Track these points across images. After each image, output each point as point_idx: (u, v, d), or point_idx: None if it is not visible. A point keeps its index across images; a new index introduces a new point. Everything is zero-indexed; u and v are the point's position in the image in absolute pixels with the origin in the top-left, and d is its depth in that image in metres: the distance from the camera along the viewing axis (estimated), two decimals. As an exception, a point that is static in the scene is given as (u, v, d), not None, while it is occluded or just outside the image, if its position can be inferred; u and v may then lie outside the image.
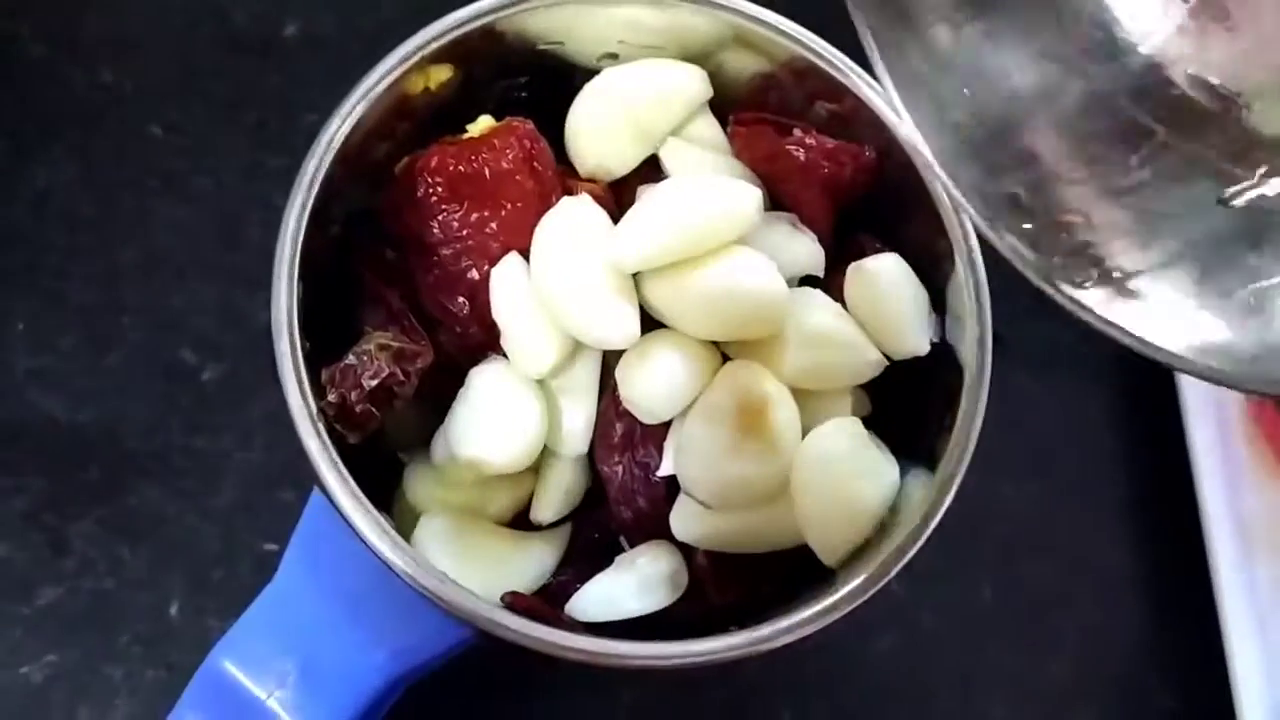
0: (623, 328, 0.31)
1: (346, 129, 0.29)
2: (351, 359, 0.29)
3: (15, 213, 0.44)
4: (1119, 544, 0.46)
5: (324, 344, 0.31)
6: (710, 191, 0.31)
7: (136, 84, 0.46)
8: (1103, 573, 0.46)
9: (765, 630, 0.27)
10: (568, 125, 0.33)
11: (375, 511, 0.27)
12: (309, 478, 0.42)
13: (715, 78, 0.33)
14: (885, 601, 0.43)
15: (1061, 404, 0.48)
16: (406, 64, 0.30)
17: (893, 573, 0.28)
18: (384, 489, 0.33)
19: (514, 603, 0.30)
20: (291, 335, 0.27)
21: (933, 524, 0.29)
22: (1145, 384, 0.48)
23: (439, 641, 0.27)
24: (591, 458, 0.33)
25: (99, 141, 0.45)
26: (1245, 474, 0.44)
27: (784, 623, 0.27)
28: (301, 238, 0.28)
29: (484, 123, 0.32)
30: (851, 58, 0.32)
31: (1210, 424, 0.45)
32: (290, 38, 0.47)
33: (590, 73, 0.33)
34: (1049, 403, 0.48)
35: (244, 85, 0.47)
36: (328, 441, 0.27)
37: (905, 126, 0.24)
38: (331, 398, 0.29)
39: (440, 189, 0.31)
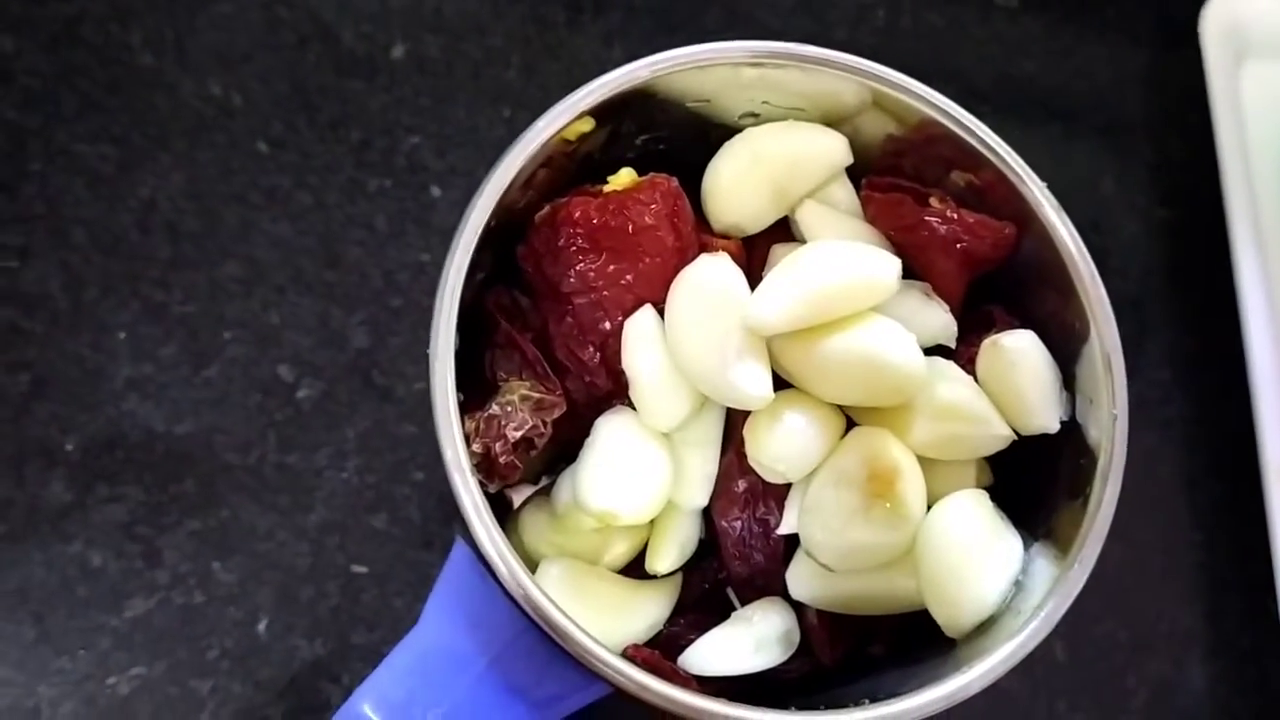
0: (756, 389, 0.31)
1: (506, 182, 0.29)
2: (495, 409, 0.29)
3: (120, 221, 0.44)
4: (1191, 605, 0.47)
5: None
6: (851, 258, 0.31)
7: (244, 98, 0.46)
8: (1174, 634, 0.46)
9: (894, 708, 0.27)
10: (705, 181, 0.33)
11: (520, 566, 0.27)
12: (400, 502, 0.43)
13: (851, 141, 0.33)
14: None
15: (1140, 465, 0.48)
16: (566, 117, 0.30)
17: (1026, 652, 0.28)
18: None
19: (634, 655, 0.30)
20: (449, 389, 0.28)
21: (1066, 606, 0.29)
22: (1224, 445, 0.49)
23: (575, 696, 0.28)
24: (708, 510, 0.33)
25: (204, 154, 0.45)
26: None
27: (914, 702, 0.28)
28: (459, 292, 0.28)
29: (625, 175, 0.33)
30: (991, 127, 0.32)
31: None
32: (397, 60, 0.48)
33: (728, 130, 0.34)
34: (1126, 472, 0.48)
35: (349, 105, 0.47)
36: (479, 495, 0.27)
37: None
38: (476, 448, 0.29)
39: (580, 239, 0.31)
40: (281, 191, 0.45)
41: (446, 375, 0.28)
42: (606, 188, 0.32)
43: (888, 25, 0.53)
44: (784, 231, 0.34)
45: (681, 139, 0.34)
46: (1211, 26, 0.52)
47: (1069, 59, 0.54)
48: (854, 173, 0.34)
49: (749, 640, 0.32)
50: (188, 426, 0.43)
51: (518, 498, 0.35)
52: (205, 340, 0.43)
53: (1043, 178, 0.32)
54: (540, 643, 0.27)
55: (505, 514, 0.35)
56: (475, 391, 0.31)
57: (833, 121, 0.34)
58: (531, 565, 0.33)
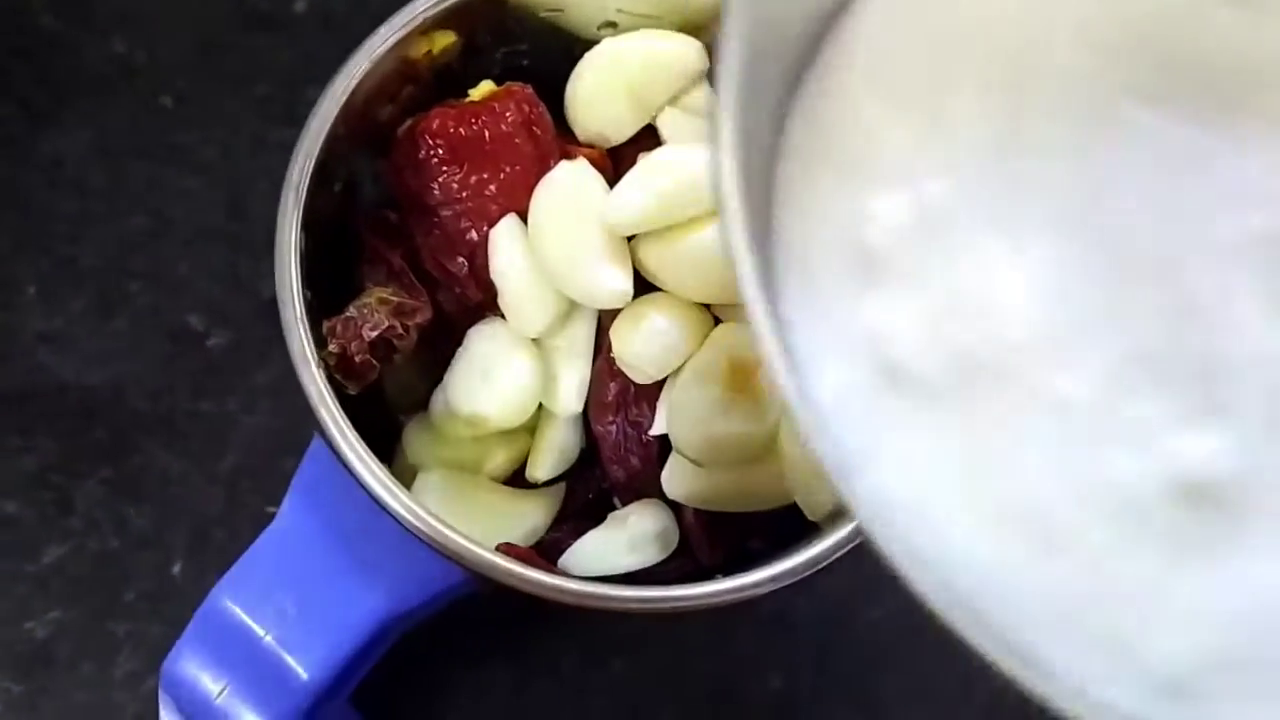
0: (616, 287, 0.31)
1: (351, 86, 0.30)
2: (352, 311, 0.30)
3: (28, 179, 0.45)
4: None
5: (327, 303, 0.32)
6: (703, 158, 0.32)
7: (149, 56, 0.47)
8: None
9: (754, 577, 0.28)
10: (567, 93, 0.34)
11: (372, 457, 0.27)
12: (310, 440, 0.44)
13: (711, 49, 0.34)
14: (878, 575, 0.45)
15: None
16: (410, 26, 0.31)
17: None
18: (384, 450, 0.34)
19: (507, 552, 0.31)
20: (295, 284, 0.28)
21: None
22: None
23: (433, 585, 0.28)
24: (586, 418, 0.34)
25: (110, 111, 0.46)
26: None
27: (772, 570, 0.28)
28: (305, 190, 0.29)
29: (485, 87, 0.33)
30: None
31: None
32: (300, 14, 0.48)
33: (590, 43, 0.34)
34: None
35: (254, 60, 0.47)
36: (327, 388, 0.28)
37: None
38: (332, 348, 0.29)
39: (441, 151, 0.32)
40: (187, 146, 0.46)
41: (290, 270, 0.28)
42: (466, 101, 0.33)
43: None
44: (653, 140, 0.35)
45: (543, 53, 0.34)
46: None
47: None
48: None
49: (623, 540, 0.33)
50: (98, 377, 0.43)
51: (406, 418, 0.35)
52: (114, 293, 0.44)
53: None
54: (397, 535, 0.27)
55: (396, 437, 0.35)
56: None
57: (691, 29, 0.34)
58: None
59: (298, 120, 0.47)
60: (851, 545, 0.29)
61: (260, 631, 0.28)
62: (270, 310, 0.44)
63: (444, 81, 0.33)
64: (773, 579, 0.28)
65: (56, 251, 0.44)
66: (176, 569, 0.42)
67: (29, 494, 0.42)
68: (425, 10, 0.31)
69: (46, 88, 0.46)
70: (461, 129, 0.32)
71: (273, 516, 0.42)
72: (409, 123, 0.33)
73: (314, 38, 0.48)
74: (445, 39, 0.32)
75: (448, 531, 0.27)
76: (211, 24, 0.48)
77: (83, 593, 0.41)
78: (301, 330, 0.28)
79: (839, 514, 0.31)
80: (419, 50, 0.32)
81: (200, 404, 0.44)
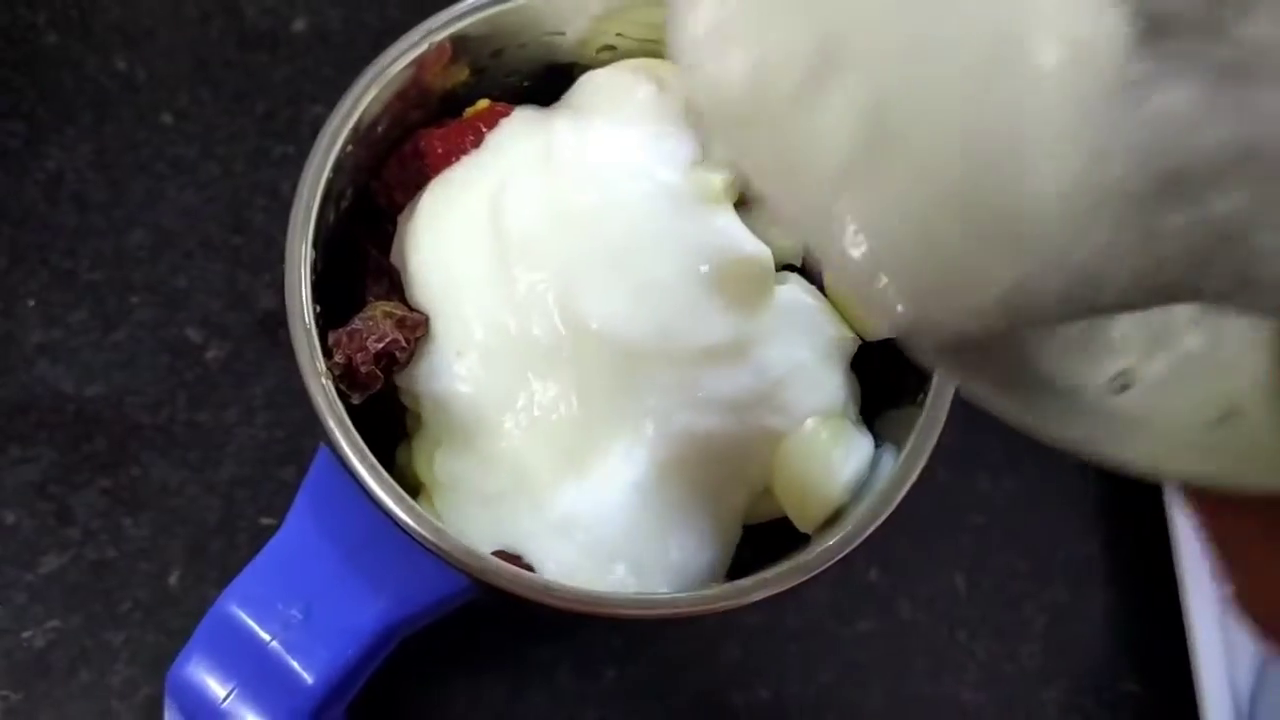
0: None
1: (360, 105, 0.31)
2: (358, 323, 0.31)
3: (28, 193, 0.45)
4: (1088, 537, 0.48)
5: (330, 313, 0.32)
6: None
7: (149, 73, 0.47)
8: (1071, 564, 0.48)
9: (746, 582, 0.29)
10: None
11: (377, 465, 0.28)
12: (308, 454, 0.44)
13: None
14: (863, 590, 0.46)
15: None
16: (417, 49, 0.31)
17: (864, 535, 0.29)
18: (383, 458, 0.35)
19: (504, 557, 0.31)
20: (305, 299, 0.29)
21: (903, 491, 0.30)
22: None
23: (437, 591, 0.29)
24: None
25: (111, 127, 0.47)
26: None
27: (762, 576, 0.29)
28: (316, 208, 0.30)
29: (481, 104, 0.34)
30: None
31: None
32: (298, 33, 0.49)
33: (588, 66, 0.35)
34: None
35: (253, 77, 0.48)
36: (334, 397, 0.28)
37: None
38: (338, 359, 0.30)
39: (427, 169, 0.33)
40: (187, 161, 0.47)
41: (301, 284, 0.29)
42: (460, 119, 0.34)
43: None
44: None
45: (544, 75, 0.35)
46: None
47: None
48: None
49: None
50: (98, 388, 0.44)
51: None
52: (113, 305, 0.45)
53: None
54: (399, 542, 0.28)
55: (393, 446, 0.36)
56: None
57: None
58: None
59: (297, 137, 0.48)
60: (840, 555, 0.29)
61: (266, 637, 0.29)
62: (268, 323, 0.45)
63: (446, 101, 0.34)
64: (762, 585, 0.29)
65: (56, 264, 0.45)
66: (174, 579, 0.42)
67: (28, 503, 0.42)
68: (430, 33, 0.32)
69: (48, 102, 0.46)
70: (447, 146, 0.33)
71: (270, 527, 0.43)
72: (407, 145, 0.33)
73: (312, 55, 0.49)
74: (460, 75, 0.33)
75: (453, 541, 0.27)
76: (211, 42, 0.48)
77: (80, 602, 0.42)
78: (311, 343, 0.28)
79: (828, 524, 0.31)
80: (434, 84, 0.33)
81: (198, 415, 0.44)
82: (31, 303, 0.44)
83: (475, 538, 0.30)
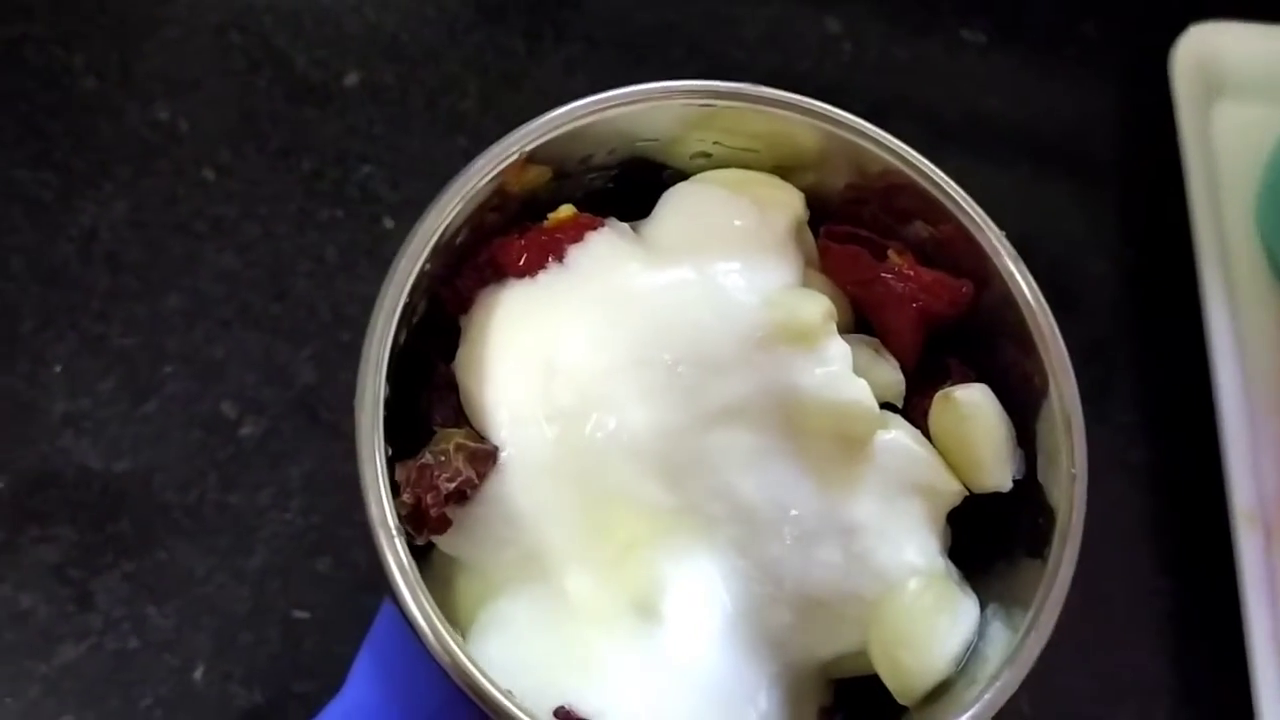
0: None
1: (442, 225, 0.28)
2: (428, 458, 0.28)
3: (60, 250, 0.43)
4: (1157, 658, 0.46)
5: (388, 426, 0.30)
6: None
7: (191, 125, 0.45)
8: (1141, 684, 0.45)
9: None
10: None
11: (449, 631, 0.26)
12: (346, 544, 0.42)
13: (811, 186, 0.32)
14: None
15: (1104, 511, 0.47)
16: (505, 161, 0.29)
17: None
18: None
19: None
20: (377, 442, 0.26)
21: (1022, 676, 0.28)
22: (1190, 491, 0.48)
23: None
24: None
25: (149, 181, 0.44)
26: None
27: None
28: (390, 340, 0.27)
29: (565, 212, 0.31)
30: (956, 166, 0.31)
31: (1258, 535, 0.45)
32: (350, 87, 0.47)
33: (679, 171, 0.32)
34: (1091, 517, 0.47)
35: (300, 133, 0.46)
36: (407, 557, 0.26)
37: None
38: (406, 498, 0.28)
39: (505, 279, 0.30)
40: (228, 221, 0.44)
41: (374, 428, 0.26)
42: (542, 224, 0.31)
43: (853, 59, 0.52)
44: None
45: (631, 177, 0.32)
46: (1182, 65, 0.52)
47: (1038, 95, 0.54)
48: (815, 214, 0.33)
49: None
50: (125, 464, 0.41)
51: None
52: (145, 375, 0.42)
53: (1009, 218, 0.31)
54: (471, 711, 0.26)
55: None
56: (410, 437, 0.30)
57: (790, 164, 0.32)
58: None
59: (344, 199, 0.45)
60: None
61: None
62: (307, 399, 0.43)
63: (527, 206, 0.32)
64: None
65: (86, 328, 0.42)
66: (198, 673, 0.40)
67: (46, 587, 0.40)
68: (521, 143, 0.29)
69: (83, 153, 0.44)
70: (529, 259, 0.30)
71: (300, 621, 0.41)
72: (484, 253, 0.31)
73: (364, 112, 0.47)
74: (541, 176, 0.30)
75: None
76: (258, 93, 0.46)
77: (97, 697, 0.39)
78: (381, 492, 0.26)
79: (932, 697, 0.29)
80: (511, 185, 0.30)
81: (229, 496, 0.42)
82: (58, 369, 0.42)
83: (530, 690, 0.28)
